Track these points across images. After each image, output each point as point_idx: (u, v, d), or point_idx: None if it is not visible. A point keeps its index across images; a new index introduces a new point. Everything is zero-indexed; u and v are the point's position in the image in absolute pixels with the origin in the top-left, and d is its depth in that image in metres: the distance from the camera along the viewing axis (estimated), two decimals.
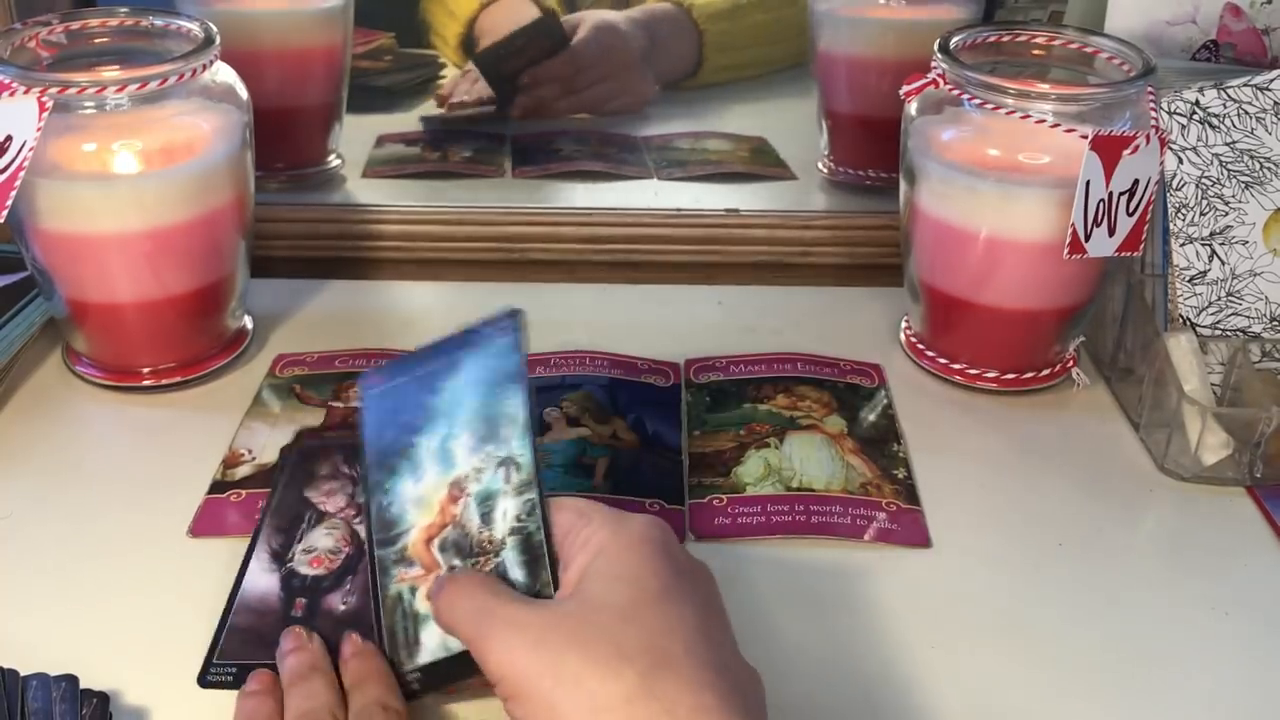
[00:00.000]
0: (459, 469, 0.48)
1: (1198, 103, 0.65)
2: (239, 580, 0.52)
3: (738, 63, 0.92)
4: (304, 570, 0.53)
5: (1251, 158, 0.65)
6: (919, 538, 0.58)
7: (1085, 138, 0.60)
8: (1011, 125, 0.63)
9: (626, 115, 0.95)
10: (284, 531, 0.55)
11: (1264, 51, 0.74)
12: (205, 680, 0.48)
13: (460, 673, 0.45)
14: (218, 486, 0.59)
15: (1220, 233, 0.65)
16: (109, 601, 0.52)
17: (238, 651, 0.49)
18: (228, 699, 0.47)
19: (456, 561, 0.47)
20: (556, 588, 0.44)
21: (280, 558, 0.54)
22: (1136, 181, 0.61)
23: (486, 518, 0.47)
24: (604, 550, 0.43)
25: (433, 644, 0.46)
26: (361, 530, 0.53)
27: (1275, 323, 0.65)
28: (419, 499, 0.48)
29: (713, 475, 0.61)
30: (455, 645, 0.45)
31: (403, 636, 0.47)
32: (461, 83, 0.93)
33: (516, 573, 0.45)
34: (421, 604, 0.46)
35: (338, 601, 0.51)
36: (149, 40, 0.67)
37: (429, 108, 0.98)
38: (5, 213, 0.59)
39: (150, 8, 0.68)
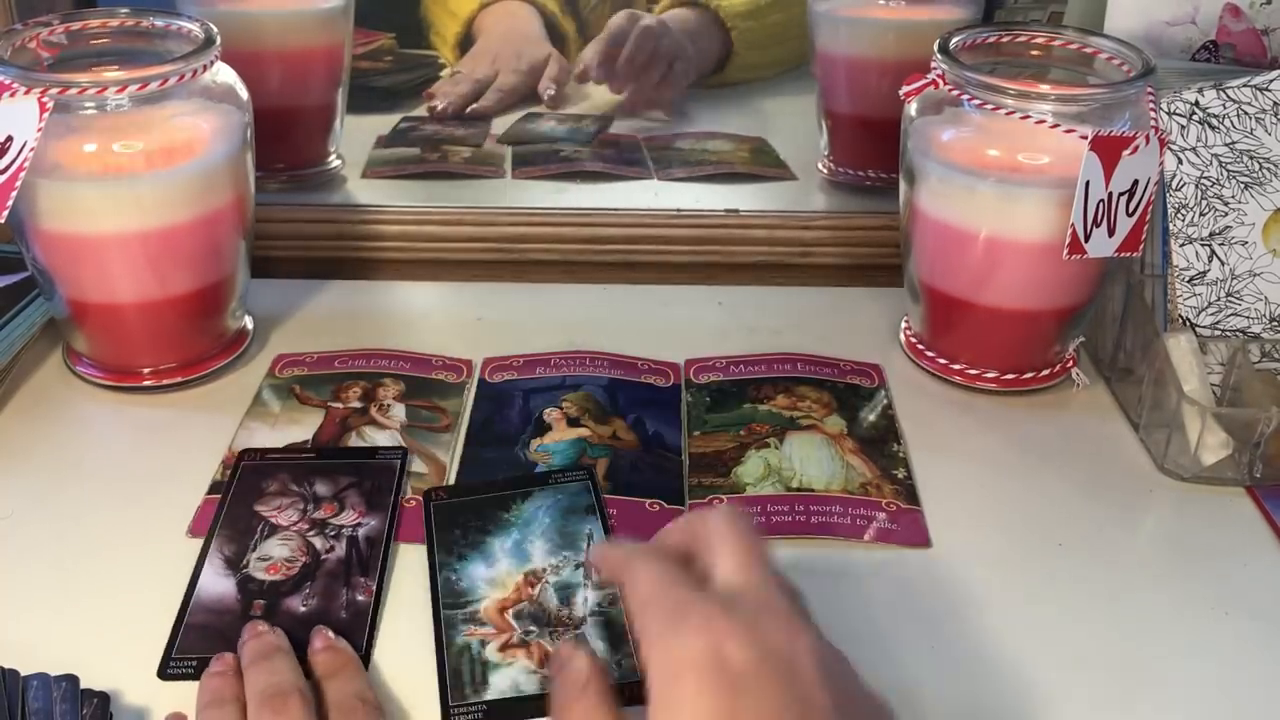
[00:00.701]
0: (535, 564, 0.54)
1: (1197, 103, 0.65)
2: (192, 584, 0.53)
3: (762, 61, 0.93)
4: (260, 576, 0.53)
5: (1251, 158, 0.65)
6: (919, 538, 0.58)
7: (1085, 138, 0.60)
8: (1011, 126, 0.63)
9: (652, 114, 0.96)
10: (236, 541, 0.55)
11: (1263, 52, 0.74)
12: (166, 673, 0.49)
13: (526, 712, 0.48)
14: (218, 486, 0.59)
15: (1220, 233, 0.65)
16: (109, 600, 0.52)
17: (196, 646, 0.50)
18: None
19: (533, 628, 0.51)
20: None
21: (234, 564, 0.54)
22: (1136, 182, 0.61)
23: (566, 601, 0.52)
24: (652, 692, 0.37)
25: (503, 685, 0.49)
26: (317, 542, 0.55)
27: (1275, 323, 0.65)
28: (492, 579, 0.54)
29: (713, 475, 0.62)
30: (528, 689, 0.48)
31: (469, 676, 0.49)
32: (445, 84, 0.93)
33: (597, 644, 0.50)
34: (493, 654, 0.50)
35: (298, 603, 0.52)
36: (149, 41, 0.67)
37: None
38: (6, 213, 0.59)
39: (151, 8, 0.68)
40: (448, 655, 0.50)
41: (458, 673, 0.49)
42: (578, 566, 0.54)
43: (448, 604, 0.52)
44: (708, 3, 0.95)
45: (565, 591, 0.53)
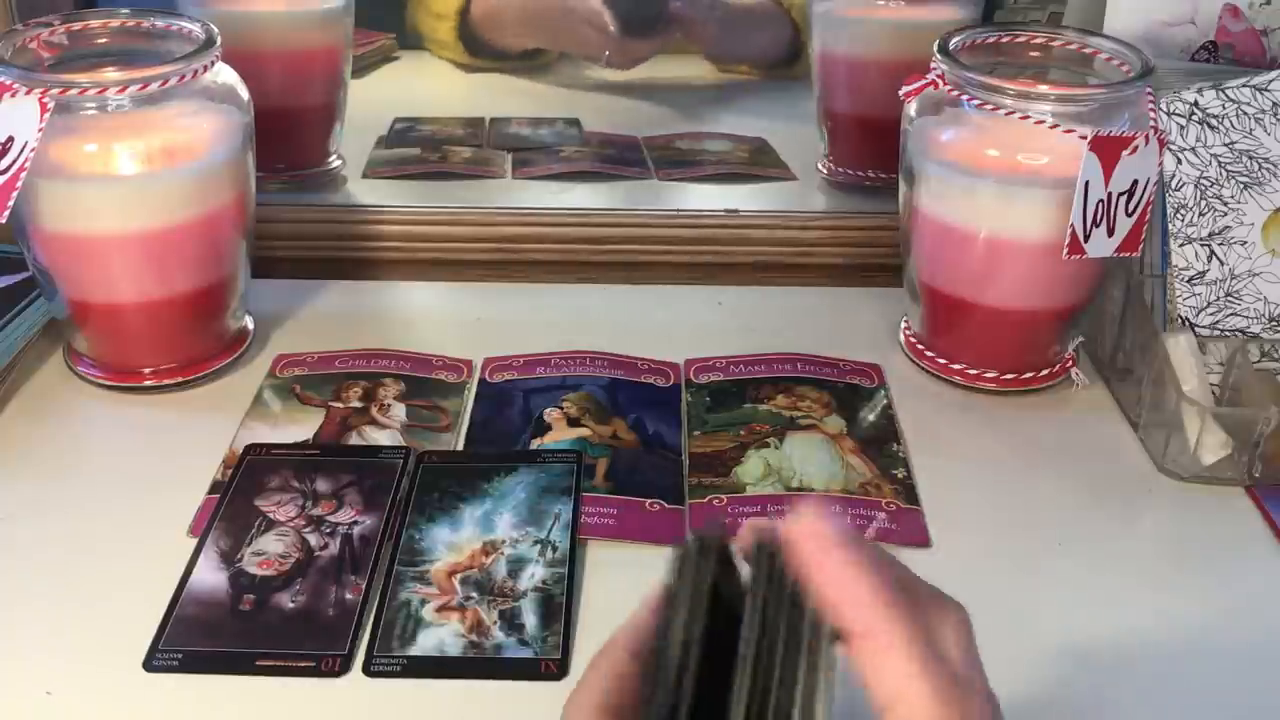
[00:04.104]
0: (497, 534, 0.56)
1: (1196, 103, 0.65)
2: (185, 576, 0.53)
3: None
4: (253, 570, 0.54)
5: (1250, 158, 0.65)
6: (919, 537, 0.58)
7: (1084, 138, 0.60)
8: (1011, 126, 0.63)
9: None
10: (233, 535, 0.56)
11: (1262, 52, 0.74)
12: (152, 664, 0.49)
13: (442, 673, 0.49)
14: (218, 487, 0.59)
15: (1219, 233, 0.65)
16: (109, 600, 0.52)
17: (183, 639, 0.50)
18: (226, 696, 0.48)
19: (474, 594, 0.52)
20: (568, 646, 0.50)
21: (229, 558, 0.54)
22: (1135, 182, 0.62)
23: (514, 573, 0.54)
24: None
25: (428, 644, 0.50)
26: (312, 539, 0.56)
27: (1274, 323, 0.65)
28: (451, 543, 0.56)
29: (713, 475, 0.62)
30: (451, 651, 0.50)
31: (399, 629, 0.51)
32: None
33: (530, 618, 0.51)
34: (429, 614, 0.52)
35: (287, 600, 0.52)
36: (150, 41, 0.67)
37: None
38: (7, 213, 0.59)
39: (151, 9, 0.68)
40: (386, 608, 0.52)
41: (391, 625, 0.51)
42: (536, 543, 0.55)
43: (403, 560, 0.54)
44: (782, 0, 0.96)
45: (516, 565, 0.54)
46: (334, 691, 0.48)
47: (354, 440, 0.64)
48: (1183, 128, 0.65)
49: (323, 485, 0.59)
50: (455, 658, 0.50)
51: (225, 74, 0.66)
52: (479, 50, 1.01)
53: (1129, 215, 0.62)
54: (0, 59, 0.61)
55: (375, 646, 0.50)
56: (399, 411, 0.66)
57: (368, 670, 0.49)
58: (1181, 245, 0.65)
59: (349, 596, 0.52)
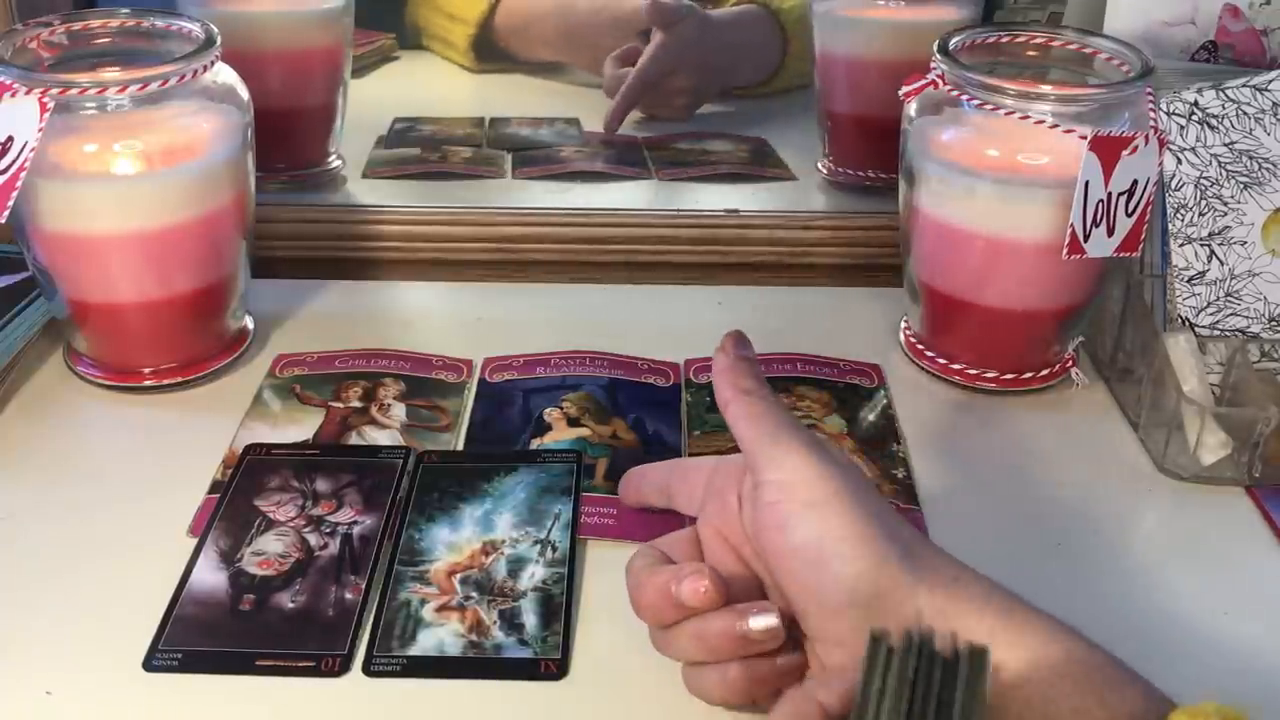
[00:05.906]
0: (497, 534, 0.56)
1: (1196, 103, 0.65)
2: (184, 576, 0.53)
3: (809, 69, 0.91)
4: (252, 570, 0.54)
5: (1250, 158, 0.65)
6: None
7: (1084, 138, 0.60)
8: (1011, 126, 0.63)
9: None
10: (232, 535, 0.56)
11: (1263, 52, 0.74)
12: (151, 664, 0.49)
13: (442, 673, 0.49)
14: (218, 486, 0.59)
15: (1219, 233, 0.65)
16: (109, 600, 0.52)
17: (183, 638, 0.50)
18: (226, 696, 0.48)
19: (474, 594, 0.52)
20: (567, 646, 0.50)
21: (229, 558, 0.54)
22: (1135, 182, 0.62)
23: (514, 573, 0.54)
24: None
25: (428, 643, 0.50)
26: (312, 539, 0.56)
27: (1274, 323, 0.66)
28: (451, 543, 0.56)
29: None
30: (451, 651, 0.50)
31: (399, 629, 0.51)
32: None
33: (530, 618, 0.51)
34: (429, 614, 0.52)
35: (287, 599, 0.52)
36: (150, 41, 0.67)
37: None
38: (6, 213, 0.59)
39: (151, 9, 0.68)
40: (386, 608, 0.52)
41: (390, 624, 0.51)
42: (536, 542, 0.55)
43: (403, 560, 0.54)
44: (768, 3, 0.95)
45: (516, 564, 0.54)
46: (334, 691, 0.48)
47: (354, 440, 0.64)
48: (1183, 128, 0.65)
49: (323, 485, 0.59)
50: (455, 658, 0.50)
51: (225, 74, 0.66)
52: (489, 57, 1.01)
53: (1129, 215, 0.62)
54: (0, 59, 0.61)
55: (375, 646, 0.50)
56: (399, 411, 0.66)
57: (367, 670, 0.49)
58: (1181, 245, 0.65)
59: (349, 596, 0.52)
